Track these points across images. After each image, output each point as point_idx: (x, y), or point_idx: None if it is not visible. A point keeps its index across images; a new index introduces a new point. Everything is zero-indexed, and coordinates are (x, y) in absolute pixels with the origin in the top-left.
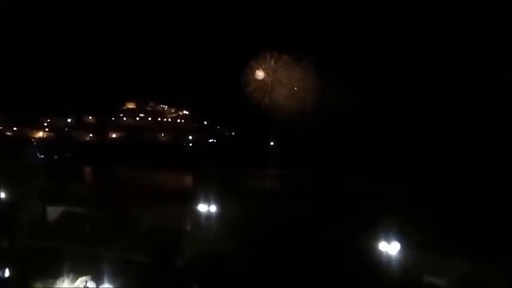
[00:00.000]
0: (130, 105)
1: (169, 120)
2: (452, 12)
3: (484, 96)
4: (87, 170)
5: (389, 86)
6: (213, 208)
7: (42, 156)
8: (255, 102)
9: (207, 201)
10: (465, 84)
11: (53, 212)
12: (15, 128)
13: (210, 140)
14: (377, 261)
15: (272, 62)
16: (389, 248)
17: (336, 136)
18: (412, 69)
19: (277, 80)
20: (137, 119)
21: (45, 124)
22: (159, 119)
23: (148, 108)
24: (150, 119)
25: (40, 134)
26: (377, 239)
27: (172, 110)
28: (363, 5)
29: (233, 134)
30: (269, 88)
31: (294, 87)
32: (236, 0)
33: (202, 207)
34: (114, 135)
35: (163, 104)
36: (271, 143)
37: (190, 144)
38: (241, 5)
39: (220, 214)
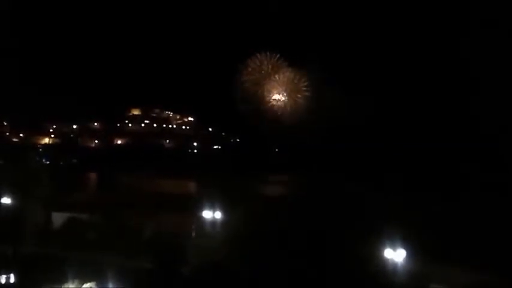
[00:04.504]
0: (136, 112)
1: (174, 126)
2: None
3: (485, 99)
4: (93, 176)
5: (391, 91)
6: (218, 214)
7: (48, 162)
8: (257, 108)
9: (212, 208)
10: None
11: (58, 218)
12: (21, 134)
13: (215, 147)
14: (380, 267)
15: (273, 66)
16: (395, 255)
17: (337, 141)
18: (414, 74)
19: (279, 86)
20: (142, 125)
21: (51, 130)
22: (164, 125)
23: (154, 115)
24: (155, 125)
25: (46, 140)
26: (382, 245)
27: (177, 117)
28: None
29: (238, 140)
30: (272, 94)
31: (297, 92)
32: (239, 7)
33: (206, 214)
34: (119, 142)
35: (168, 111)
36: (276, 149)
37: (195, 151)
38: (244, 12)
39: (225, 220)
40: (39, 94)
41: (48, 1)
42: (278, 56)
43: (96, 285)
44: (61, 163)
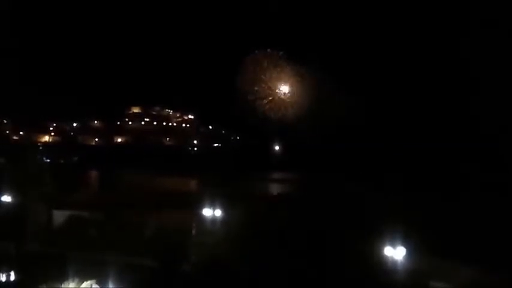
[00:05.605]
0: (136, 110)
1: (175, 124)
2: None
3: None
4: (93, 174)
5: (391, 91)
6: (218, 212)
7: (49, 160)
8: (258, 106)
9: (212, 206)
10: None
11: (59, 216)
12: (21, 132)
13: (215, 145)
14: (381, 266)
15: (274, 63)
16: (395, 253)
17: (337, 141)
18: (414, 74)
19: (280, 85)
20: (142, 123)
21: (51, 128)
22: (164, 123)
23: (154, 113)
24: (155, 123)
25: (46, 138)
26: (380, 243)
27: (178, 115)
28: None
29: (238, 138)
30: (272, 92)
31: (298, 92)
32: (239, 5)
33: (207, 212)
34: (119, 140)
35: (168, 109)
36: (276, 147)
37: (196, 149)
38: (244, 10)
39: (225, 218)
40: (40, 93)
41: (48, 1)
42: (280, 53)
43: (96, 283)
44: (61, 161)
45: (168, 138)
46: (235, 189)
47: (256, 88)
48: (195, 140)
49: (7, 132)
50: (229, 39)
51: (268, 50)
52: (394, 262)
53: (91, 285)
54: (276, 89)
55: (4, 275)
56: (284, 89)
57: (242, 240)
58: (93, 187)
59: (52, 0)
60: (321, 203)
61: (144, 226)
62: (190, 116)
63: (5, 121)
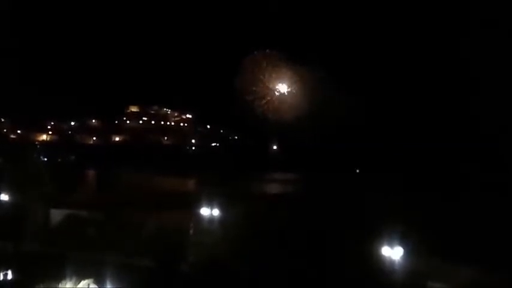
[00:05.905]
0: (134, 109)
1: (173, 123)
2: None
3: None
4: (91, 173)
5: (391, 91)
6: (217, 212)
7: (46, 159)
8: (256, 106)
9: (210, 205)
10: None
11: (57, 215)
12: (19, 131)
13: (213, 144)
14: (380, 266)
15: (273, 64)
16: (393, 253)
17: (337, 141)
18: (414, 74)
19: (279, 85)
20: (140, 122)
21: (49, 127)
22: (162, 122)
23: (152, 112)
24: (153, 122)
25: (44, 137)
26: (380, 243)
27: (176, 114)
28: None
29: (236, 138)
30: (271, 92)
31: (297, 92)
32: (238, 5)
33: (205, 211)
34: (117, 139)
35: (166, 108)
36: (274, 147)
37: (193, 148)
38: (242, 10)
39: (223, 218)
40: (38, 92)
41: (48, 1)
42: (279, 53)
43: (94, 283)
44: (59, 160)
45: (166, 138)
46: (234, 188)
47: (255, 88)
48: (193, 139)
49: (5, 131)
50: (228, 39)
51: (267, 50)
52: (393, 262)
53: (88, 284)
54: (274, 89)
55: (2, 275)
56: (283, 89)
57: (241, 240)
58: (91, 186)
59: (51, 0)
60: (321, 203)
61: (142, 226)
62: (188, 116)
63: (2, 120)
